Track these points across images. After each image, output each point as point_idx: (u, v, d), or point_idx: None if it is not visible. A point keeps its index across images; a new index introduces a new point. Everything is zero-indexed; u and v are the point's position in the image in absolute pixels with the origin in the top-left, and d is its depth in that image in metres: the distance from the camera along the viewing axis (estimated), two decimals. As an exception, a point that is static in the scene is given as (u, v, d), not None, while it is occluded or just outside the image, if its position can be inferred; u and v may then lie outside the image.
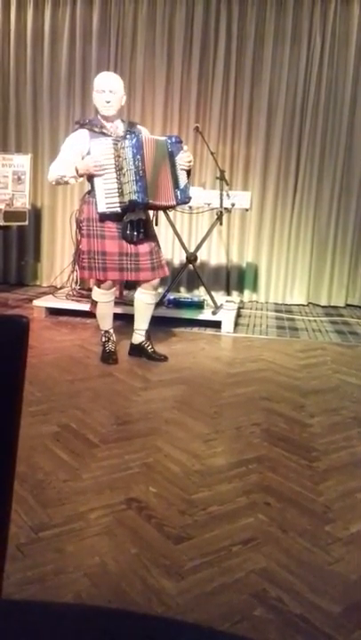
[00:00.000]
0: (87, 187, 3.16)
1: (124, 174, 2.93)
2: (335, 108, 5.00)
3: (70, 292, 4.41)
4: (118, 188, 2.95)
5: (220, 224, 4.25)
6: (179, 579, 1.49)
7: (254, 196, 4.97)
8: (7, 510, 0.81)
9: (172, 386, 2.95)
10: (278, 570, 1.54)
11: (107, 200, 2.97)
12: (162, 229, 4.83)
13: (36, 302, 4.31)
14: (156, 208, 3.10)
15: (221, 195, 4.12)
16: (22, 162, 4.72)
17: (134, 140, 2.91)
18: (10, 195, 4.66)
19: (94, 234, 3.06)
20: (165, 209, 3.15)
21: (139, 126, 3.23)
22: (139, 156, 2.90)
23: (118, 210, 2.98)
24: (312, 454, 2.24)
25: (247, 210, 4.60)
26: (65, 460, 2.08)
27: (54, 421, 2.41)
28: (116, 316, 3.52)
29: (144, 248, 3.09)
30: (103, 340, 3.34)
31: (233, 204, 4.22)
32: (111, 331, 3.36)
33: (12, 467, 0.80)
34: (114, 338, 3.36)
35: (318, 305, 5.21)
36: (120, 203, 2.96)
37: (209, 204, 4.30)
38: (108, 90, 3.00)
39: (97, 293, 3.26)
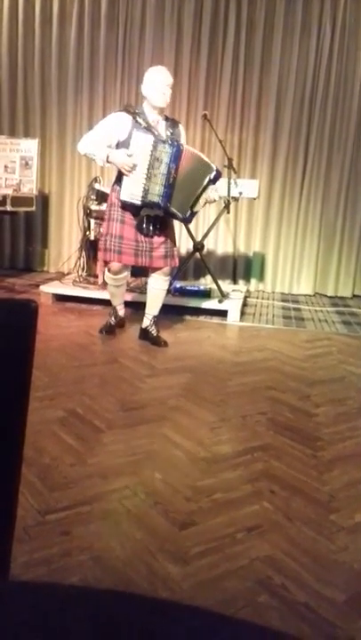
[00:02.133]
0: (114, 174, 3.22)
1: (155, 175, 3.02)
2: (344, 97, 4.94)
3: (77, 279, 4.40)
4: (145, 185, 3.03)
5: (228, 212, 4.22)
6: (183, 564, 1.49)
7: (262, 185, 4.93)
8: (15, 493, 0.81)
9: (178, 373, 2.95)
10: (283, 557, 1.55)
11: (131, 190, 3.05)
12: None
13: (43, 288, 4.32)
14: (168, 212, 3.16)
15: (229, 183, 4.09)
16: (30, 147, 4.70)
17: (175, 149, 3.01)
18: (17, 180, 4.64)
19: (115, 218, 3.17)
20: (172, 216, 3.22)
21: (180, 126, 3.29)
22: (174, 165, 3.01)
23: (139, 203, 3.07)
24: (317, 444, 2.24)
25: (255, 199, 4.57)
26: (71, 445, 2.09)
27: (61, 406, 2.42)
28: (127, 304, 3.66)
29: (159, 238, 3.21)
30: (110, 312, 3.55)
31: (240, 193, 4.19)
32: (118, 307, 3.53)
33: (19, 450, 0.80)
34: (120, 314, 3.54)
35: (325, 295, 5.18)
36: (142, 198, 3.05)
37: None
38: (165, 84, 3.11)
39: (107, 277, 3.40)
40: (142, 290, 3.88)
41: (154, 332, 3.42)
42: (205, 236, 4.37)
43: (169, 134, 3.14)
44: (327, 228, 5.15)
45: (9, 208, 4.43)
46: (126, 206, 3.12)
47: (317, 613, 1.36)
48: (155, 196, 3.03)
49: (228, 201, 4.13)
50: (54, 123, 5.21)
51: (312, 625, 1.32)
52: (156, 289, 3.39)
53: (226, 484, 1.90)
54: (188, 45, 4.96)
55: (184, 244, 5.18)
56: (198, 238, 4.38)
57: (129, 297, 3.87)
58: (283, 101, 4.98)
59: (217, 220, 4.39)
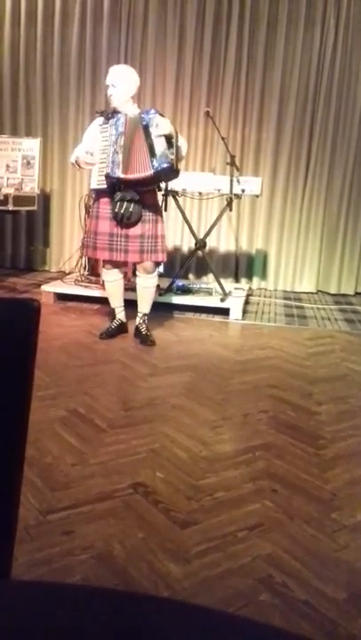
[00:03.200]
0: (77, 172, 3.53)
1: (109, 154, 3.12)
2: (348, 93, 4.93)
3: (79, 278, 4.41)
4: (106, 167, 3.14)
5: (230, 210, 4.22)
6: (185, 563, 1.50)
7: (265, 182, 4.92)
8: (17, 493, 0.81)
9: (179, 372, 2.95)
10: (284, 556, 1.55)
11: (97, 178, 3.18)
12: (171, 215, 4.80)
13: (44, 287, 4.32)
14: (139, 182, 3.07)
15: (231, 180, 4.09)
16: (31, 146, 4.70)
17: (115, 120, 3.13)
18: (19, 179, 4.64)
19: (92, 215, 3.31)
20: (148, 182, 3.12)
21: (152, 112, 3.11)
22: (118, 135, 3.10)
23: (104, 186, 3.14)
24: (319, 442, 2.24)
25: (257, 196, 4.56)
26: (73, 445, 2.09)
27: (62, 406, 2.42)
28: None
29: (135, 231, 3.18)
30: (110, 316, 3.57)
31: (243, 190, 4.19)
32: (117, 310, 3.50)
33: (21, 450, 0.80)
34: (120, 316, 3.51)
35: (328, 293, 5.18)
36: (105, 178, 3.13)
37: (219, 190, 4.26)
38: (111, 84, 3.21)
39: (103, 272, 3.51)
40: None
41: (143, 330, 3.40)
42: (208, 233, 4.37)
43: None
44: (330, 226, 5.14)
45: (10, 207, 4.43)
46: (100, 197, 3.23)
47: (319, 611, 1.36)
48: (106, 169, 3.09)
49: (231, 198, 4.12)
50: (56, 122, 5.21)
51: (313, 623, 1.32)
52: (142, 287, 3.41)
53: (227, 482, 1.90)
54: (190, 42, 4.95)
55: (186, 242, 5.19)
56: (200, 236, 4.37)
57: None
58: (286, 98, 4.96)
59: (219, 217, 4.39)
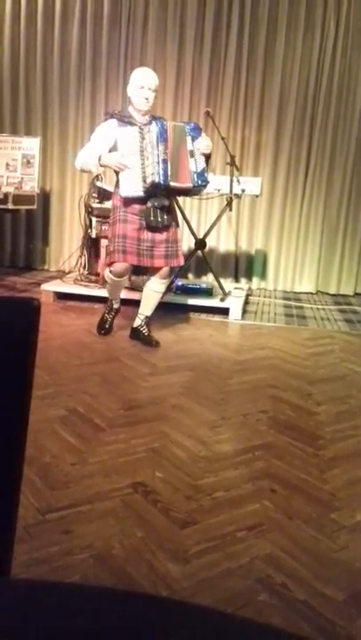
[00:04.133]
0: (113, 178, 3.28)
1: (148, 158, 3.05)
2: (348, 95, 4.93)
3: (78, 277, 4.40)
4: (142, 174, 3.06)
5: (230, 210, 4.22)
6: (184, 563, 1.50)
7: (265, 183, 4.92)
8: (16, 492, 0.81)
9: (179, 372, 2.95)
10: (283, 556, 1.55)
11: (131, 186, 3.07)
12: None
13: (44, 286, 4.32)
14: (176, 191, 3.20)
15: (231, 180, 4.09)
16: (31, 145, 4.70)
17: (159, 125, 3.08)
18: (19, 178, 4.64)
19: (118, 219, 3.15)
20: (184, 193, 3.28)
21: (194, 125, 3.27)
22: (162, 140, 3.05)
23: (141, 194, 3.06)
24: (318, 442, 2.24)
25: (257, 196, 4.56)
26: (72, 444, 2.09)
27: (62, 405, 2.42)
28: (123, 302, 3.61)
29: (161, 236, 3.18)
30: (106, 309, 3.52)
31: (243, 190, 4.18)
32: (114, 302, 3.50)
33: (21, 449, 0.80)
34: (115, 309, 3.50)
35: (327, 293, 5.18)
36: (143, 187, 3.05)
37: (219, 190, 4.26)
38: (147, 87, 3.12)
39: (107, 276, 3.37)
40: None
41: (145, 331, 3.37)
42: (207, 233, 4.37)
43: None
44: (330, 226, 5.14)
45: (10, 206, 4.43)
46: (130, 203, 3.11)
47: (318, 612, 1.36)
48: (153, 176, 3.04)
49: (231, 198, 4.12)
50: (56, 121, 5.21)
51: (312, 623, 1.32)
52: (152, 290, 3.36)
53: (227, 482, 1.90)
54: (190, 42, 4.95)
55: (186, 242, 5.18)
56: (200, 236, 4.37)
57: (137, 295, 3.82)
58: (286, 98, 4.96)
59: (219, 217, 4.39)
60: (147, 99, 3.12)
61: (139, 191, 3.06)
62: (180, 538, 1.60)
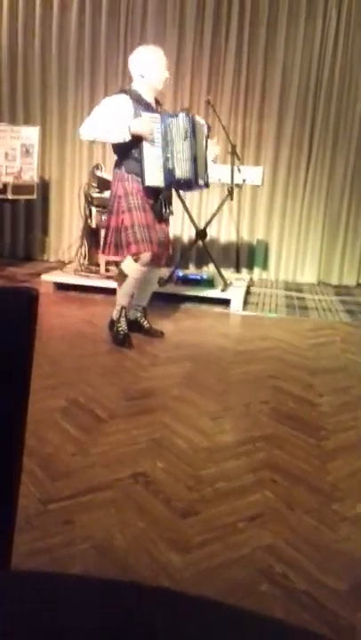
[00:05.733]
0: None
1: (178, 151, 2.92)
2: (350, 83, 4.88)
3: (78, 267, 4.38)
4: (165, 164, 2.93)
5: (231, 200, 4.19)
6: (185, 553, 1.49)
7: (266, 172, 4.88)
8: (17, 482, 0.81)
9: (180, 363, 2.94)
10: (284, 547, 1.55)
11: (154, 173, 2.93)
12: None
13: (44, 277, 4.30)
14: (193, 187, 3.18)
15: (232, 170, 4.05)
16: (30, 134, 4.66)
17: (190, 119, 2.93)
18: (18, 168, 4.61)
19: (136, 206, 2.96)
20: (193, 189, 3.29)
21: (206, 126, 3.21)
22: (193, 137, 2.93)
23: (162, 185, 2.96)
24: (320, 433, 2.24)
25: (258, 186, 4.53)
26: (73, 435, 2.08)
27: (63, 396, 2.42)
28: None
29: (166, 228, 3.19)
30: (116, 316, 3.13)
31: (244, 180, 4.15)
32: (132, 310, 3.28)
33: (21, 440, 0.79)
34: (132, 318, 3.26)
35: (329, 284, 5.16)
36: (166, 179, 2.94)
37: (220, 180, 4.23)
38: (166, 66, 3.01)
39: (135, 270, 3.02)
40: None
41: (146, 323, 3.31)
42: (208, 223, 4.34)
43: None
44: (332, 216, 5.12)
45: (9, 196, 4.40)
46: (147, 192, 2.97)
47: (319, 602, 1.35)
48: (185, 173, 2.93)
49: (232, 188, 4.09)
50: (55, 110, 5.16)
51: (314, 614, 1.32)
52: (153, 279, 3.30)
53: (228, 473, 1.90)
54: (191, 31, 4.89)
55: (186, 232, 5.15)
56: (201, 226, 4.34)
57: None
58: (287, 87, 4.91)
59: (220, 207, 4.36)
60: (166, 79, 3.00)
61: (160, 182, 2.94)
62: (182, 528, 1.59)
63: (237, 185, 4.14)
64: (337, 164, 5.01)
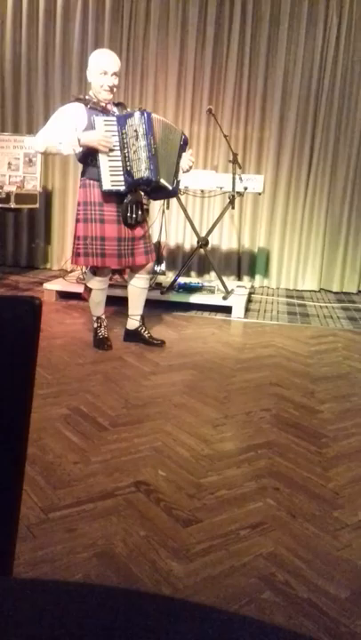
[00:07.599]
0: (79, 169, 3.08)
1: (134, 152, 2.82)
2: (351, 91, 4.91)
3: (81, 276, 4.40)
4: (125, 166, 2.84)
5: (233, 208, 4.21)
6: (187, 561, 1.50)
7: (267, 180, 4.91)
8: (18, 491, 0.81)
9: (181, 370, 2.95)
10: (286, 554, 1.55)
11: (112, 178, 2.84)
12: (173, 213, 4.80)
13: (46, 285, 4.32)
14: (158, 188, 3.01)
15: (234, 178, 4.08)
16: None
17: (145, 117, 2.80)
18: (21, 177, 4.64)
19: (92, 218, 2.94)
20: (165, 193, 3.10)
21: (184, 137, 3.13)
22: (150, 135, 2.82)
23: (122, 189, 2.86)
24: (322, 440, 2.24)
25: (260, 194, 4.55)
26: (75, 443, 2.09)
27: (64, 404, 2.42)
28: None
29: (139, 232, 3.06)
30: (95, 325, 3.28)
31: (245, 188, 4.18)
32: (103, 316, 3.30)
33: (23, 448, 0.80)
34: (105, 323, 3.31)
35: (330, 291, 5.17)
36: (126, 182, 2.85)
37: (221, 188, 4.25)
38: (112, 72, 2.88)
39: (93, 281, 3.18)
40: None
41: (146, 333, 3.30)
42: (210, 231, 4.36)
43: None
44: (333, 224, 5.13)
45: (12, 205, 4.43)
46: (106, 200, 2.92)
47: (321, 610, 1.35)
48: (142, 172, 2.81)
49: (233, 196, 4.11)
50: (58, 119, 5.20)
51: (315, 621, 1.32)
52: (140, 288, 3.23)
53: (230, 481, 1.90)
54: (192, 38, 4.93)
55: (188, 240, 5.18)
56: (202, 234, 4.36)
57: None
58: (288, 95, 4.95)
59: (221, 215, 4.38)
60: (111, 87, 2.88)
61: (120, 185, 2.84)
62: (184, 536, 1.59)
63: (239, 193, 4.16)
64: (338, 171, 5.04)
